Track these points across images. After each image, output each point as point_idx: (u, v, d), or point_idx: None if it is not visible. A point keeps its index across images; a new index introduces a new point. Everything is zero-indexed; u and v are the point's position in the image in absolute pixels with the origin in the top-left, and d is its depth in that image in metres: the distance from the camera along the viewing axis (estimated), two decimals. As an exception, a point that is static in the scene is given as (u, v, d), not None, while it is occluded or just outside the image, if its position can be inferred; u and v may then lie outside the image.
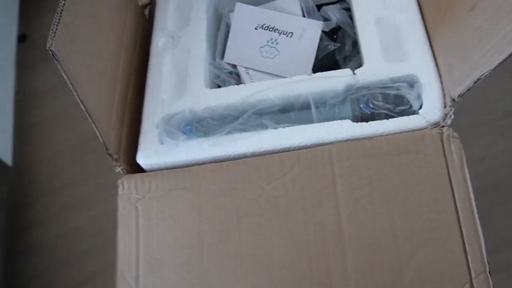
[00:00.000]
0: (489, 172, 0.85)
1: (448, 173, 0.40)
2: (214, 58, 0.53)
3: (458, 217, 0.39)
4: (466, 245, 0.38)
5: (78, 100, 0.40)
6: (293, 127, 0.44)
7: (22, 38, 1.24)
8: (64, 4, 0.38)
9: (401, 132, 0.42)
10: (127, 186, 0.46)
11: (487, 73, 0.38)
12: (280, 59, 0.52)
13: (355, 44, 0.54)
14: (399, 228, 0.40)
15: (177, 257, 0.43)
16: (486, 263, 0.38)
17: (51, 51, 0.36)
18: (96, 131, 0.43)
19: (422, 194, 0.40)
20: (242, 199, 0.43)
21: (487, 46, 0.38)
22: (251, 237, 0.42)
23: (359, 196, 0.41)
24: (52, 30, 0.36)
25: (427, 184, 0.40)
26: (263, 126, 0.45)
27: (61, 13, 0.37)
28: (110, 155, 0.45)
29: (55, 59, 0.36)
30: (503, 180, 0.82)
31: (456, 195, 0.40)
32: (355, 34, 0.54)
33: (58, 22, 0.37)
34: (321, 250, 0.40)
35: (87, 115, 0.41)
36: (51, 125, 1.11)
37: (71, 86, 0.39)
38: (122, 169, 0.46)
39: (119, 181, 0.46)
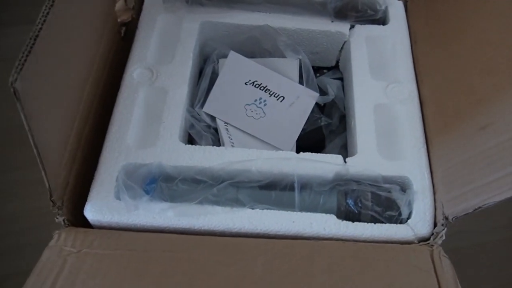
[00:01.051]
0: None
1: (438, 282, 0.37)
2: (192, 105, 0.47)
3: None
4: None
5: (32, 143, 0.33)
6: (272, 211, 0.40)
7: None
8: (41, 28, 0.31)
9: (386, 241, 0.39)
10: (64, 238, 0.38)
11: (491, 204, 0.36)
12: (264, 122, 0.47)
13: (342, 119, 0.51)
14: None
15: None
16: None
17: (13, 88, 0.28)
18: (44, 176, 0.36)
19: None
20: (198, 272, 0.37)
21: (495, 175, 0.36)
22: None
23: None
24: (20, 61, 0.29)
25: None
26: (239, 203, 0.40)
27: (34, 40, 0.30)
28: (53, 201, 0.38)
29: (16, 98, 0.29)
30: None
31: None
32: (344, 109, 0.51)
33: (29, 52, 0.29)
34: None
35: (37, 158, 0.34)
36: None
37: (27, 127, 0.31)
38: (64, 220, 0.39)
39: (56, 232, 0.39)
